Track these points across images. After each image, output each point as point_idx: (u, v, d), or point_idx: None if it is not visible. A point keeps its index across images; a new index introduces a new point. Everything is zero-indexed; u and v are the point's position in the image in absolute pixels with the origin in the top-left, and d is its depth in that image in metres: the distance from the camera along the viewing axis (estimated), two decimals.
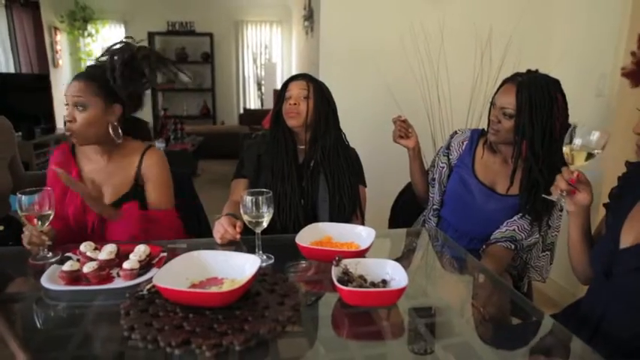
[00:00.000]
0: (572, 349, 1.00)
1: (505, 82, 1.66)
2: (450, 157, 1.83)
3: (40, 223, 1.30)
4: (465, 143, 1.81)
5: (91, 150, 1.61)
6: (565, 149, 1.24)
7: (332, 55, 2.96)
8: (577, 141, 1.22)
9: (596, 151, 1.21)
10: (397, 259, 1.20)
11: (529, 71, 1.63)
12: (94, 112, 1.52)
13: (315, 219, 1.68)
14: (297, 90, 1.74)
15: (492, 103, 1.67)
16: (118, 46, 1.58)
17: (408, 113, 2.81)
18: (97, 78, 1.54)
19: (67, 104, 1.52)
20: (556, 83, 1.60)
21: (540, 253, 1.74)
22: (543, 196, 1.34)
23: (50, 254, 1.32)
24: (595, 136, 1.20)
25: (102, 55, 1.60)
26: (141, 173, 1.64)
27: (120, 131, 1.58)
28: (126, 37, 1.61)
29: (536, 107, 1.55)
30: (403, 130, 1.84)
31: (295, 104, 1.71)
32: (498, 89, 1.67)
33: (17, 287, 1.30)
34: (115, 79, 1.53)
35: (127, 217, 1.54)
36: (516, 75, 1.64)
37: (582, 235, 1.33)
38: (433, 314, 1.13)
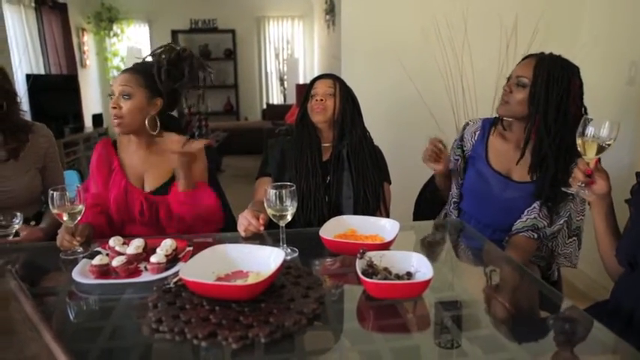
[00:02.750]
0: (603, 341, 0.97)
1: (527, 56, 1.66)
2: (464, 148, 1.82)
3: (69, 219, 1.34)
4: (477, 133, 1.79)
5: (131, 142, 1.68)
6: (578, 141, 1.28)
7: (354, 48, 2.94)
8: (589, 132, 1.25)
9: (607, 142, 1.24)
10: (422, 252, 1.19)
11: (551, 53, 1.63)
12: (138, 102, 1.61)
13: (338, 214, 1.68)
14: (323, 87, 1.76)
15: (509, 77, 1.67)
16: (163, 48, 1.71)
17: (431, 105, 2.79)
18: (143, 72, 1.65)
19: (111, 95, 1.60)
20: (575, 69, 1.59)
21: (567, 239, 1.70)
22: (563, 189, 1.37)
23: (80, 249, 1.36)
24: (606, 127, 1.24)
25: (148, 55, 1.72)
26: None
27: (157, 123, 1.66)
28: (170, 43, 1.75)
29: (553, 81, 1.54)
30: (434, 154, 1.73)
31: (322, 100, 1.73)
32: (518, 64, 1.68)
33: (50, 281, 1.34)
34: (161, 75, 1.65)
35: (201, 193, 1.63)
36: (539, 53, 1.64)
37: (607, 225, 1.33)
38: (459, 307, 1.12)
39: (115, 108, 1.58)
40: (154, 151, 1.69)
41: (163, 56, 1.68)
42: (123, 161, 1.68)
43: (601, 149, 1.25)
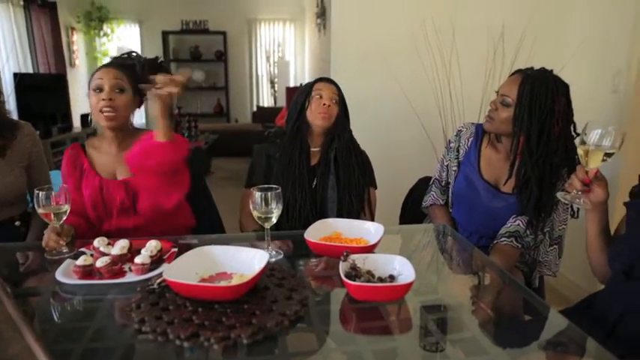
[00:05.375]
0: (584, 347, 0.98)
1: (515, 72, 1.66)
2: (459, 155, 1.82)
3: (56, 219, 1.33)
4: (470, 139, 1.80)
5: (105, 141, 1.68)
6: (579, 150, 1.22)
7: (344, 52, 2.96)
8: (592, 141, 1.19)
9: (610, 151, 1.18)
10: (407, 255, 1.20)
11: (543, 69, 1.62)
12: (129, 97, 1.62)
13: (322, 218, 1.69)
14: (329, 93, 1.76)
15: (497, 92, 1.68)
16: (136, 53, 1.71)
17: (418, 109, 2.82)
18: (127, 69, 1.64)
19: (97, 89, 1.57)
20: (563, 86, 1.58)
21: (548, 247, 1.72)
22: (558, 196, 1.32)
23: (65, 249, 1.35)
24: (610, 135, 1.17)
25: (125, 54, 1.71)
26: None
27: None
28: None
29: (537, 102, 1.54)
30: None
31: (329, 106, 1.73)
32: (506, 80, 1.67)
33: (34, 281, 1.34)
34: (143, 74, 1.64)
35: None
36: (528, 69, 1.63)
37: (600, 231, 1.30)
38: (443, 310, 1.13)
39: (107, 100, 1.55)
40: (124, 146, 1.68)
41: (142, 59, 1.69)
42: (93, 161, 1.67)
43: (604, 157, 1.18)
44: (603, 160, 1.19)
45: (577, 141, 1.24)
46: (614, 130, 1.17)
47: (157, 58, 1.75)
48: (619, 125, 2.41)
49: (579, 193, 1.24)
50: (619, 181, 2.24)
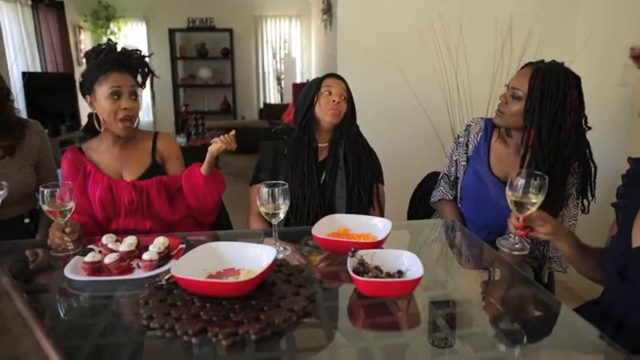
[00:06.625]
0: (594, 343, 0.97)
1: (525, 65, 1.64)
2: (468, 150, 1.81)
3: (60, 216, 1.34)
4: (479, 134, 1.78)
5: (105, 141, 1.68)
6: (507, 199, 1.26)
7: (350, 47, 2.95)
8: (517, 191, 1.24)
9: (533, 200, 1.22)
10: (415, 251, 1.20)
11: (554, 61, 1.60)
12: (141, 101, 1.64)
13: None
14: (339, 90, 1.75)
15: (507, 85, 1.66)
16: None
17: (426, 104, 2.80)
18: (133, 71, 1.65)
19: (115, 95, 1.56)
20: (575, 79, 1.56)
21: None
22: (498, 245, 1.38)
23: (71, 246, 1.36)
24: (533, 186, 1.22)
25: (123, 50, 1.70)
26: (158, 153, 1.74)
27: None
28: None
29: (548, 95, 1.52)
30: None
31: (338, 103, 1.73)
32: (516, 73, 1.66)
33: (43, 278, 1.34)
34: (147, 74, 1.69)
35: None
36: (539, 62, 1.61)
37: (574, 250, 1.32)
38: (451, 306, 1.13)
39: (127, 109, 1.57)
40: (127, 146, 1.70)
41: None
42: (97, 163, 1.67)
43: (527, 207, 1.24)
44: (527, 210, 1.24)
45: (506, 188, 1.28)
46: (539, 181, 1.21)
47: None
48: (628, 119, 2.41)
49: (516, 238, 1.29)
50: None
